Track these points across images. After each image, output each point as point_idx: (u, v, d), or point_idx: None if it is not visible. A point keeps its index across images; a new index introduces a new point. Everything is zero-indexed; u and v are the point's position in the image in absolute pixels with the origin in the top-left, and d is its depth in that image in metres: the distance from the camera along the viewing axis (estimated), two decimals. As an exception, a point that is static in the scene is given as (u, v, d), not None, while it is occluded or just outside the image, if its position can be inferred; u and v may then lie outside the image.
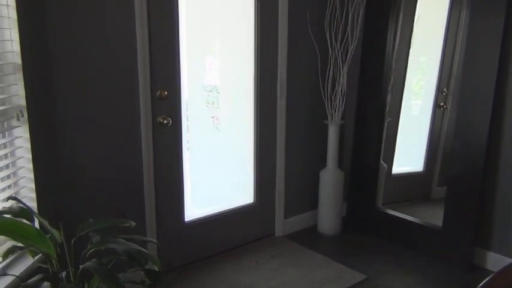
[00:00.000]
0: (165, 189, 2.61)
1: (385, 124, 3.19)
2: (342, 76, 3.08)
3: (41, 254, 1.70)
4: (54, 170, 2.16)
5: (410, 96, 3.33)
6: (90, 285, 1.66)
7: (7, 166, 1.92)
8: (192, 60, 2.65)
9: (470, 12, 2.62)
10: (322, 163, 3.27)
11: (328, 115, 3.16)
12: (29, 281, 1.58)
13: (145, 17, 2.33)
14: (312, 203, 3.36)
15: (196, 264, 2.81)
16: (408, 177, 3.52)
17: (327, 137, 3.19)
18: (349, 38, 3.05)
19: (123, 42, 2.29)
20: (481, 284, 1.34)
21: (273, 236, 3.23)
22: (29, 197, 1.99)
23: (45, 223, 1.66)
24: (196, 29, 2.64)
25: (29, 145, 1.94)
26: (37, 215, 1.73)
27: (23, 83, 1.89)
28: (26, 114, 1.91)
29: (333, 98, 3.12)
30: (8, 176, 1.93)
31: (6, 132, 1.91)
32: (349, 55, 3.06)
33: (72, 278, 1.64)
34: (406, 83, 3.24)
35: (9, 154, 1.93)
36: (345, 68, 3.08)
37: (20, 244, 1.66)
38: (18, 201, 1.73)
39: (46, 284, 1.58)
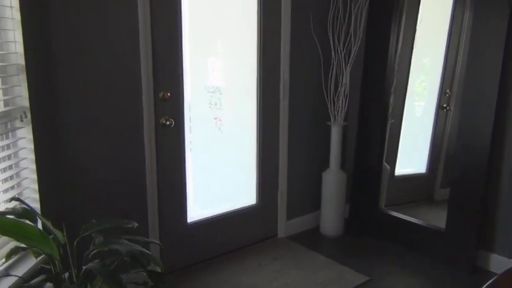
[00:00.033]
0: (167, 190, 2.61)
1: (388, 125, 3.18)
2: (344, 77, 3.08)
3: (44, 255, 1.70)
4: (58, 171, 2.17)
5: (413, 98, 3.32)
6: (93, 286, 1.66)
7: (10, 167, 1.92)
8: (195, 61, 2.65)
9: (474, 14, 2.62)
10: (325, 164, 3.27)
11: (331, 116, 3.16)
12: (32, 281, 1.58)
13: (148, 18, 2.33)
14: (315, 204, 3.36)
15: (198, 266, 2.81)
16: (411, 179, 3.51)
17: (329, 138, 3.19)
18: (352, 39, 3.05)
19: (126, 43, 2.29)
20: (485, 286, 1.33)
21: (276, 237, 3.23)
22: (32, 198, 2.00)
23: (48, 224, 1.67)
24: (199, 30, 2.65)
25: (32, 146, 1.94)
26: (40, 216, 1.73)
27: (26, 84, 1.89)
28: (29, 116, 1.92)
29: (335, 99, 3.12)
30: (11, 177, 1.93)
31: (10, 133, 1.92)
32: (352, 56, 3.06)
33: (75, 279, 1.65)
34: (409, 84, 3.23)
35: (12, 155, 1.93)
36: (348, 69, 3.07)
37: (23, 245, 1.67)
38: (22, 202, 1.74)
39: (49, 284, 1.58)
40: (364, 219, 3.30)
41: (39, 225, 1.72)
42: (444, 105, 3.26)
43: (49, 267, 1.66)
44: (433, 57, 3.30)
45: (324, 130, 3.28)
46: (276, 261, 2.89)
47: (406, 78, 3.21)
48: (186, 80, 2.58)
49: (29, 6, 1.88)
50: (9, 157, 1.92)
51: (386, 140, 3.19)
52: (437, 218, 2.94)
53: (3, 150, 1.88)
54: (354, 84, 3.18)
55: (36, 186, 1.98)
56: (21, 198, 1.89)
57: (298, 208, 3.30)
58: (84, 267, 1.58)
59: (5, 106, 1.87)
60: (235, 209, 2.99)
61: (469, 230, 2.71)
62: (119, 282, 1.51)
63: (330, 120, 3.18)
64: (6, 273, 1.66)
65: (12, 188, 1.93)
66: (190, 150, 2.72)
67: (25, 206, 1.69)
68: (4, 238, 1.76)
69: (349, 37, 3.06)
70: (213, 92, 2.81)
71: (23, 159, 1.96)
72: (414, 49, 3.18)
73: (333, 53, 3.08)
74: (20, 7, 1.82)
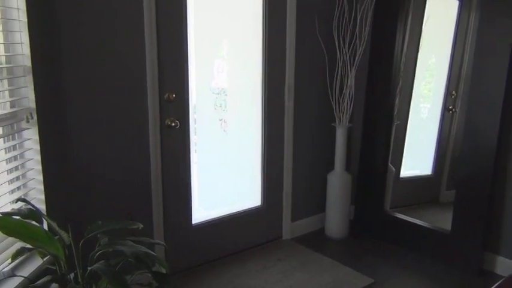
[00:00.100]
0: (172, 192, 2.61)
1: (394, 127, 3.17)
2: (350, 79, 3.07)
3: (49, 256, 1.71)
4: (63, 172, 2.18)
5: (418, 99, 3.31)
6: (98, 287, 1.66)
7: (16, 168, 1.93)
8: (200, 63, 2.66)
9: (480, 15, 2.61)
10: (330, 166, 3.26)
11: (336, 118, 3.15)
12: (38, 282, 1.59)
13: (154, 20, 2.34)
14: (320, 206, 3.35)
15: (203, 267, 2.82)
16: (416, 181, 3.49)
17: (334, 139, 3.19)
18: (357, 40, 3.04)
19: (132, 45, 2.30)
20: (491, 289, 1.32)
21: (280, 239, 3.23)
22: (38, 199, 2.01)
23: (54, 225, 1.67)
24: (205, 32, 2.65)
25: (38, 147, 1.95)
26: (46, 217, 1.74)
27: (32, 86, 1.90)
28: (35, 117, 1.93)
29: (340, 101, 3.12)
30: (17, 178, 1.94)
31: (16, 134, 1.93)
32: (357, 58, 3.05)
33: (80, 280, 1.65)
34: (414, 85, 3.22)
35: (18, 156, 1.95)
36: (353, 70, 3.07)
37: (28, 245, 1.68)
38: (27, 202, 1.74)
39: (54, 285, 1.59)
40: (369, 221, 3.29)
41: (45, 226, 1.73)
42: (450, 107, 3.25)
43: (54, 267, 1.67)
44: (439, 58, 3.29)
45: (329, 132, 3.27)
46: (281, 263, 2.88)
47: (412, 80, 3.20)
48: (191, 82, 2.58)
49: (35, 7, 1.89)
50: (15, 158, 1.93)
51: (392, 142, 3.18)
52: (442, 220, 2.93)
53: (9, 151, 1.89)
54: (359, 85, 3.18)
55: (42, 187, 1.99)
56: (27, 199, 1.90)
57: (303, 210, 3.30)
58: (89, 268, 1.59)
59: (11, 107, 1.88)
60: (240, 210, 2.99)
61: (475, 232, 2.70)
62: (124, 283, 1.51)
63: (335, 121, 3.17)
64: (12, 273, 1.66)
65: (18, 188, 1.94)
66: (195, 151, 2.72)
67: (31, 207, 1.70)
68: (10, 239, 1.77)
69: (354, 38, 3.06)
70: (218, 94, 2.82)
71: (29, 160, 1.97)
72: (420, 50, 3.17)
73: (338, 54, 3.07)
74: (27, 9, 1.83)
